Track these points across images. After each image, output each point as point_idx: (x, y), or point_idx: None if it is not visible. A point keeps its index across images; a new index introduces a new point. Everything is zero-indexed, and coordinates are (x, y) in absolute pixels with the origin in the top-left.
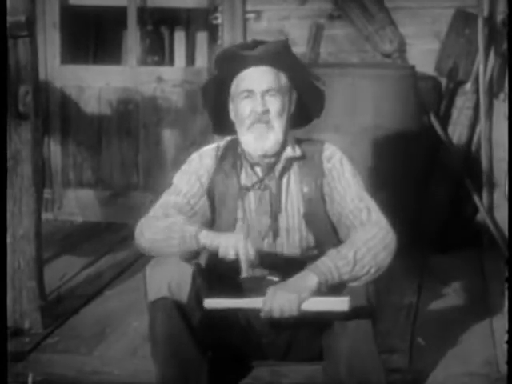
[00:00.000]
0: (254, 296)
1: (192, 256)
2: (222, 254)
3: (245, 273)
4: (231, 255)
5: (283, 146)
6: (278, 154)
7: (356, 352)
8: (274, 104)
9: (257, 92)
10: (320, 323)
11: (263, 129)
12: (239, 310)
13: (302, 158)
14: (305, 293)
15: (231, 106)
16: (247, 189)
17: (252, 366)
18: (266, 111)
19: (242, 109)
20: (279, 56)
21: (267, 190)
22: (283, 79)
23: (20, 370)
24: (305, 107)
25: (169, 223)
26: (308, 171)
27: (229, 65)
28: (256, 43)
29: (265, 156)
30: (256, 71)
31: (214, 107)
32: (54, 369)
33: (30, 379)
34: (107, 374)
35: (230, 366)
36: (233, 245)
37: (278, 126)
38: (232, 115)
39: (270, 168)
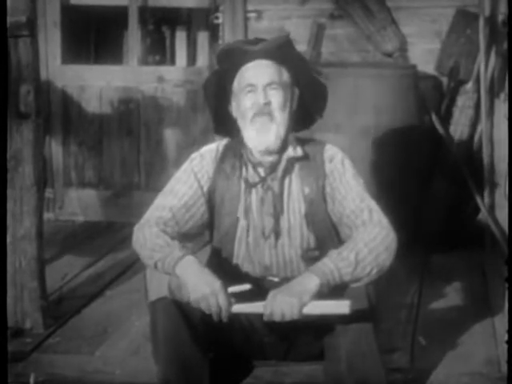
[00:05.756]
0: (255, 297)
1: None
2: (191, 301)
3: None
4: (201, 307)
5: (284, 145)
6: (279, 153)
7: (356, 352)
8: (276, 97)
9: (259, 85)
10: (321, 324)
11: (265, 120)
12: (241, 315)
13: (304, 158)
14: (306, 296)
15: (233, 102)
16: (250, 187)
17: (253, 365)
18: (268, 103)
19: (244, 102)
20: (281, 50)
21: (270, 190)
22: (285, 74)
23: (21, 371)
24: (307, 106)
25: (157, 240)
26: (309, 172)
27: (231, 59)
28: (258, 40)
29: (266, 152)
30: (258, 65)
31: (215, 102)
32: (55, 369)
33: (31, 379)
34: (109, 374)
35: (232, 366)
36: (205, 297)
37: (279, 119)
38: (234, 111)
39: (272, 168)
